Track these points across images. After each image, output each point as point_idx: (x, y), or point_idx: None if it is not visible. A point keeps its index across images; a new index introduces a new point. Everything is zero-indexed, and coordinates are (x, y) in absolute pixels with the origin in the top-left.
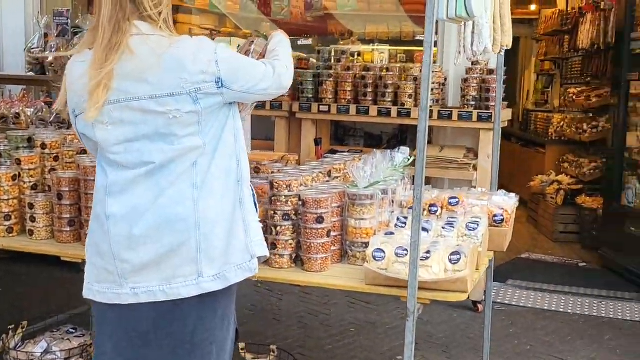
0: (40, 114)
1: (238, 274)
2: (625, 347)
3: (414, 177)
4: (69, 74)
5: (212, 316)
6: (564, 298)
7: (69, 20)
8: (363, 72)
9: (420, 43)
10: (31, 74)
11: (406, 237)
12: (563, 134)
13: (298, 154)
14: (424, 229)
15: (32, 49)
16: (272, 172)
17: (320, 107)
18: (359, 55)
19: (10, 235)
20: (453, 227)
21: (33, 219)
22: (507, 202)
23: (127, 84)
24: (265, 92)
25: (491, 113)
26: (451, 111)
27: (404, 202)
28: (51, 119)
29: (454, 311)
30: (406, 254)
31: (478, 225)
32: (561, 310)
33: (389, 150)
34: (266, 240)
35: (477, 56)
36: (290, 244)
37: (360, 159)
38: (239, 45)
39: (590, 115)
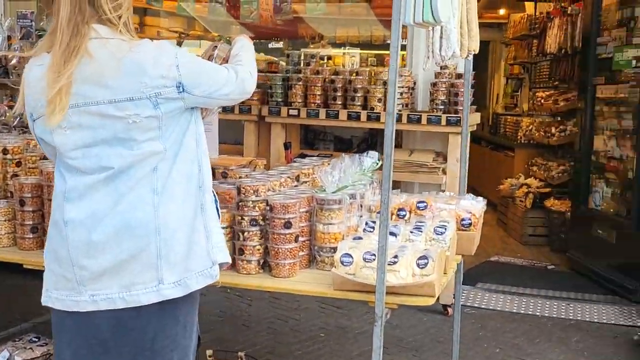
0: (3, 118)
1: (199, 280)
2: (592, 349)
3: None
4: (26, 77)
5: (173, 323)
6: (532, 301)
7: (33, 23)
8: (332, 76)
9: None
10: None
11: (374, 241)
12: (532, 137)
13: (267, 158)
14: (392, 234)
15: None
16: (240, 177)
17: (290, 111)
18: (329, 59)
19: None
20: (421, 232)
21: None
22: (475, 206)
23: (85, 88)
24: (227, 97)
25: (460, 117)
26: (420, 115)
27: (372, 207)
28: (14, 123)
29: (424, 315)
30: (374, 259)
31: (446, 229)
32: (530, 312)
33: (357, 155)
34: (233, 246)
35: (445, 61)
36: (258, 250)
37: (328, 164)
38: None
39: (558, 119)
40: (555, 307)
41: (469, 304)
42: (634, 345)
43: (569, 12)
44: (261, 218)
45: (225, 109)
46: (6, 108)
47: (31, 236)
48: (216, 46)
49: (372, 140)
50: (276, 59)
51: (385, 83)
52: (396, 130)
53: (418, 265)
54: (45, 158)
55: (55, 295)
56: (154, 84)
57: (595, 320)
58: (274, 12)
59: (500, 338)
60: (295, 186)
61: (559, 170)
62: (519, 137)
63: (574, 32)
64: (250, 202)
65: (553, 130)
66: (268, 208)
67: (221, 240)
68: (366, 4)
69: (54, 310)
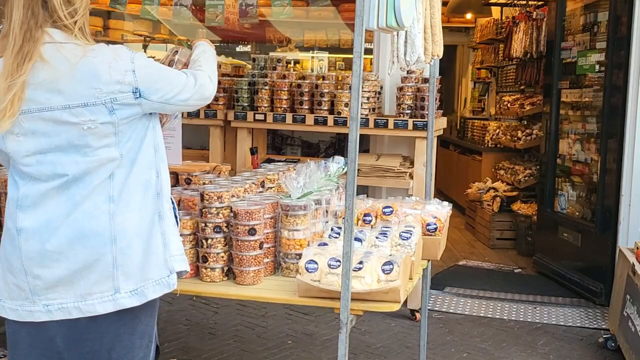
0: None
1: (156, 289)
2: (558, 352)
3: None
4: None
5: (131, 333)
6: (499, 304)
7: None
8: (299, 81)
9: None
10: None
11: (340, 247)
12: (499, 141)
13: (234, 164)
14: (358, 239)
15: None
16: (204, 183)
17: (256, 115)
18: (296, 63)
19: None
20: (386, 237)
21: None
22: (441, 211)
23: (38, 93)
24: (186, 103)
25: (426, 121)
26: (387, 120)
27: (338, 212)
28: None
29: (392, 320)
30: (339, 265)
31: (411, 234)
32: (497, 316)
33: (323, 160)
34: (197, 253)
35: (410, 66)
36: (222, 257)
37: (294, 169)
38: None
39: (525, 123)
40: (522, 310)
41: (437, 308)
42: (599, 347)
43: (534, 16)
44: (225, 225)
45: (190, 114)
46: None
47: None
48: (177, 51)
49: (339, 145)
50: (245, 62)
51: (351, 87)
52: (364, 135)
53: (383, 271)
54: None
55: (9, 306)
56: (109, 89)
57: (562, 324)
58: (239, 15)
59: (467, 342)
60: (260, 192)
61: (525, 174)
62: (486, 141)
63: (539, 37)
64: (214, 208)
65: (519, 134)
66: (232, 215)
67: (179, 249)
68: (334, 8)
69: (9, 321)
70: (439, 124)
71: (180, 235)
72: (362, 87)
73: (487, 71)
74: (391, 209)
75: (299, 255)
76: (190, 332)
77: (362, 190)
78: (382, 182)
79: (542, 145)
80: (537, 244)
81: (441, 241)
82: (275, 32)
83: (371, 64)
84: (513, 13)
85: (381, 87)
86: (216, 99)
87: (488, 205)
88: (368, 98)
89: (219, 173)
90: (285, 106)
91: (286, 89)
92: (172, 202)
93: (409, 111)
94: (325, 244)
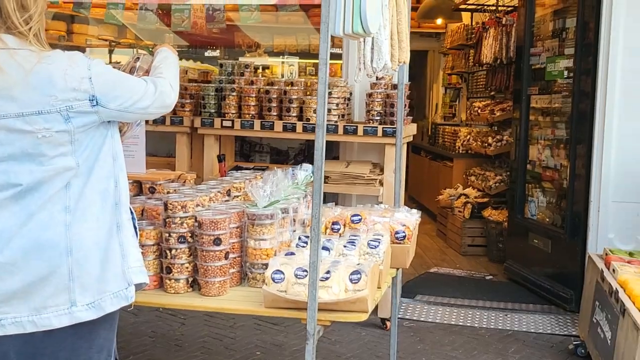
0: None
1: (114, 302)
2: (528, 359)
3: None
4: None
5: (88, 347)
6: (470, 312)
7: None
8: (267, 87)
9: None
10: None
11: (307, 257)
12: (470, 147)
13: (201, 171)
14: (326, 248)
15: None
16: (168, 192)
17: (223, 122)
18: (266, 68)
19: None
20: (355, 246)
21: None
22: (410, 219)
23: None
24: (145, 111)
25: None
26: (357, 126)
27: (306, 221)
28: None
29: (362, 329)
30: (306, 275)
31: (379, 242)
32: (468, 324)
33: (290, 168)
34: (160, 264)
35: (377, 73)
36: (187, 268)
37: (261, 177)
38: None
39: (495, 128)
40: (493, 318)
41: (407, 316)
42: (569, 354)
43: (503, 22)
44: (189, 235)
45: (156, 120)
46: None
47: None
48: (138, 58)
49: (309, 152)
50: (213, 67)
51: None
52: (333, 142)
53: (351, 280)
54: None
55: None
56: (64, 97)
57: (532, 331)
58: (207, 20)
59: (438, 351)
60: (226, 201)
61: (496, 180)
62: (457, 147)
63: (508, 43)
64: (178, 218)
65: (490, 140)
66: (197, 224)
67: (138, 260)
68: (303, 13)
69: None
70: (408, 130)
71: (144, 245)
72: (332, 93)
73: (458, 77)
74: (360, 217)
75: (266, 265)
76: (156, 344)
77: (332, 197)
78: (352, 190)
79: (512, 151)
80: (508, 251)
81: (410, 249)
82: (244, 37)
83: (342, 69)
84: (483, 19)
85: (350, 93)
86: (183, 105)
87: (459, 211)
88: (337, 104)
89: (184, 182)
90: (253, 112)
91: (254, 95)
92: (132, 212)
93: (378, 117)
94: (292, 254)
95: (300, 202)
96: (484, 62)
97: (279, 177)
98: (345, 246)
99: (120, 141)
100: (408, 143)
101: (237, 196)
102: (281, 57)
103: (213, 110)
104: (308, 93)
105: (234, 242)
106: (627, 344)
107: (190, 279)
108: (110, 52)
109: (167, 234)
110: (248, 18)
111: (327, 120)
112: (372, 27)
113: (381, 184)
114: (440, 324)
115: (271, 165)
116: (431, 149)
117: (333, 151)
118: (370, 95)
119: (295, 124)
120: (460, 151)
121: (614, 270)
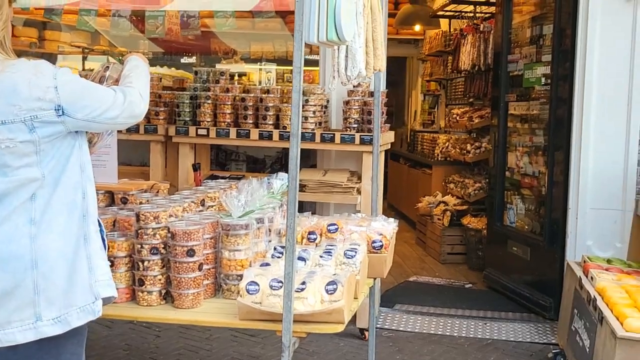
0: None
1: (80, 316)
2: None
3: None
4: None
5: None
6: (449, 321)
7: None
8: (243, 94)
9: (307, 63)
10: None
11: (282, 268)
12: (448, 154)
13: (175, 181)
14: (302, 259)
15: None
16: (140, 203)
17: (199, 130)
18: (242, 75)
19: None
20: (331, 256)
21: None
22: (387, 228)
23: None
24: (114, 121)
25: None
26: (334, 134)
27: (282, 231)
28: None
29: (340, 340)
30: (281, 286)
31: (356, 252)
32: (447, 333)
33: (266, 177)
34: (133, 276)
35: (351, 81)
36: (159, 280)
37: (236, 187)
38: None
39: (474, 135)
40: (472, 326)
41: (386, 326)
42: None
43: (481, 29)
44: (162, 246)
45: (130, 129)
46: None
47: None
48: (108, 66)
49: (286, 160)
50: (189, 74)
51: None
52: (311, 150)
53: (327, 291)
54: None
55: None
56: (29, 106)
57: (512, 339)
58: (181, 27)
59: None
60: (200, 211)
61: (475, 188)
62: (436, 154)
63: (486, 49)
64: (150, 229)
65: (468, 147)
66: (169, 235)
67: (106, 273)
68: (280, 20)
69: None
70: (386, 138)
71: (115, 257)
72: (308, 101)
73: (437, 83)
74: (336, 227)
75: (240, 277)
76: (130, 357)
77: (310, 206)
78: (329, 198)
79: (490, 158)
80: (488, 259)
81: (387, 259)
82: (220, 43)
83: (319, 76)
84: (461, 25)
85: (328, 101)
86: (157, 113)
87: (438, 219)
88: (314, 112)
89: (157, 191)
90: (229, 120)
91: (230, 103)
92: (100, 224)
93: (355, 125)
94: (267, 264)
95: (276, 212)
96: (462, 68)
97: (254, 186)
98: (321, 256)
99: (89, 152)
100: (386, 150)
101: (212, 206)
102: (258, 63)
103: (188, 119)
104: (284, 100)
105: (208, 253)
106: (605, 352)
107: (164, 291)
108: (84, 59)
109: (139, 246)
110: (223, 25)
111: (304, 128)
112: (347, 35)
113: (359, 192)
114: (420, 333)
115: (247, 174)
116: (410, 156)
117: (310, 159)
118: (347, 102)
119: (272, 132)
120: (439, 158)
121: (592, 277)
